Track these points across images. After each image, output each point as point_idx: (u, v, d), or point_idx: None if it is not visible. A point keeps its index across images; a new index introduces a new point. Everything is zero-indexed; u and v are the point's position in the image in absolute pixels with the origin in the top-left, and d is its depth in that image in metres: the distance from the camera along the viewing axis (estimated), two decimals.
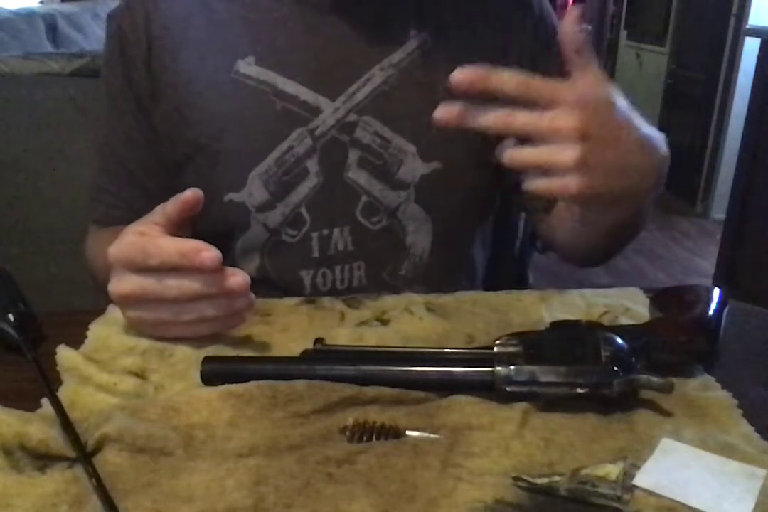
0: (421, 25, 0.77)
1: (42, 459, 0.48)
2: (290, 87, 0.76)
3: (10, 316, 0.59)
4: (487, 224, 0.93)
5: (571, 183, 0.54)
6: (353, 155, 0.77)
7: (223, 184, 0.78)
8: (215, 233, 0.82)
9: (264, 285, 0.82)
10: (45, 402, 0.52)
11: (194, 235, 0.86)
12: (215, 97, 0.78)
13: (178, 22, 0.78)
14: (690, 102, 4.01)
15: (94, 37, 3.20)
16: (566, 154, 0.53)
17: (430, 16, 0.78)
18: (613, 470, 0.45)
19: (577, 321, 0.59)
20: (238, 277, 0.57)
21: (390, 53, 0.77)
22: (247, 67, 0.76)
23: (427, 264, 0.83)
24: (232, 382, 0.54)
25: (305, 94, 0.76)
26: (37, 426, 0.48)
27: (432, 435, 0.50)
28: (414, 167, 0.78)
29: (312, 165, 0.77)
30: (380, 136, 0.77)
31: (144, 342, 0.62)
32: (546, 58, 0.81)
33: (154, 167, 0.82)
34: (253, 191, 0.78)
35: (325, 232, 0.79)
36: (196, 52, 0.78)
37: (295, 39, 0.76)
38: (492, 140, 0.81)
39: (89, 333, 0.63)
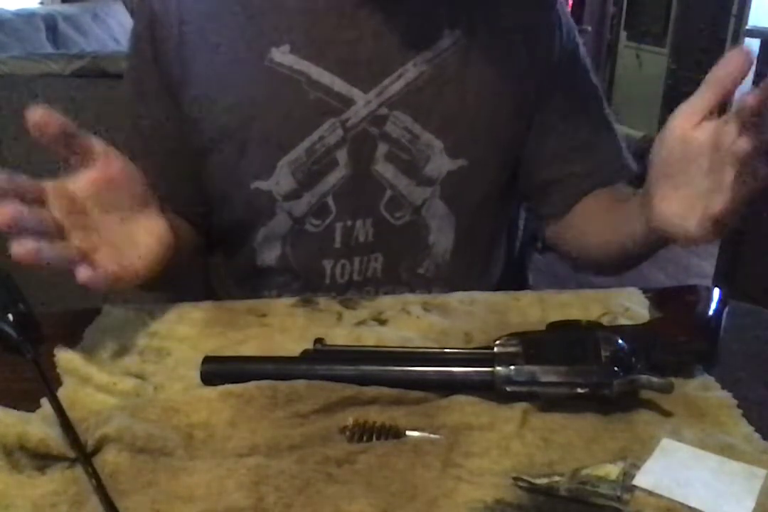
0: (454, 25, 0.78)
1: (42, 459, 0.48)
2: (325, 77, 0.76)
3: (10, 316, 0.59)
4: (506, 223, 0.94)
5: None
6: (382, 148, 0.78)
7: (251, 172, 0.79)
8: (238, 222, 0.83)
9: (285, 273, 0.83)
10: (45, 402, 0.52)
11: (218, 222, 0.87)
12: (247, 84, 0.77)
13: (212, 6, 0.78)
14: None
15: (94, 38, 3.20)
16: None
17: (462, 17, 0.78)
18: (613, 470, 0.45)
19: (576, 321, 0.59)
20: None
21: (424, 50, 0.77)
22: (281, 55, 0.76)
23: (450, 264, 0.84)
24: (232, 382, 0.54)
25: (339, 85, 0.76)
26: (37, 426, 0.48)
27: (432, 435, 0.50)
28: (441, 163, 0.79)
29: (341, 156, 0.78)
30: (409, 131, 0.78)
31: (141, 342, 0.62)
32: (566, 83, 0.84)
33: (180, 151, 0.82)
34: (281, 180, 0.78)
35: (349, 222, 0.80)
36: (229, 38, 0.77)
37: (331, 31, 0.76)
38: (518, 139, 0.83)
39: (86, 333, 0.63)
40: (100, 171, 0.60)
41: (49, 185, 0.58)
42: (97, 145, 0.60)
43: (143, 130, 0.82)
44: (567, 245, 0.87)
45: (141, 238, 0.63)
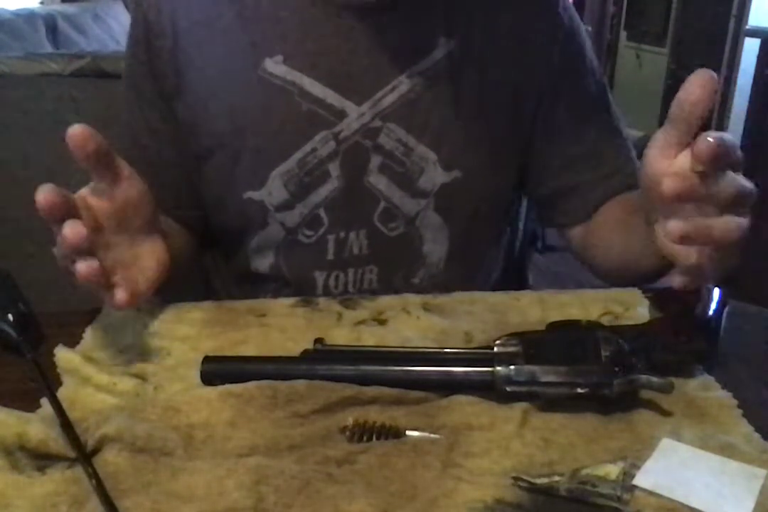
0: (448, 36, 0.77)
1: (42, 459, 0.48)
2: (317, 89, 0.76)
3: (10, 316, 0.59)
4: (503, 230, 0.93)
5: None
6: (375, 161, 0.78)
7: (243, 182, 0.79)
8: (231, 229, 0.84)
9: (276, 282, 0.83)
10: (45, 402, 0.52)
11: (211, 230, 0.87)
12: (240, 94, 0.77)
13: (207, 15, 0.78)
14: None
15: (94, 38, 3.20)
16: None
17: (457, 27, 0.77)
18: (613, 470, 0.45)
19: (576, 321, 0.59)
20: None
21: (417, 61, 0.76)
22: (274, 66, 0.76)
23: (445, 273, 0.83)
24: (232, 382, 0.54)
25: (332, 97, 0.76)
26: (37, 426, 0.48)
27: (432, 435, 0.50)
28: (435, 176, 0.78)
29: (334, 168, 0.77)
30: (403, 144, 0.77)
31: (141, 342, 0.62)
32: (569, 88, 0.82)
33: (175, 159, 0.82)
34: (273, 190, 0.78)
35: (342, 234, 0.80)
36: (223, 46, 0.77)
37: (324, 41, 0.76)
38: (513, 149, 0.82)
39: (86, 333, 0.63)
40: (123, 192, 0.60)
41: (77, 199, 0.57)
42: (125, 167, 0.60)
43: (140, 134, 0.82)
44: (591, 254, 0.84)
45: (144, 261, 0.63)
